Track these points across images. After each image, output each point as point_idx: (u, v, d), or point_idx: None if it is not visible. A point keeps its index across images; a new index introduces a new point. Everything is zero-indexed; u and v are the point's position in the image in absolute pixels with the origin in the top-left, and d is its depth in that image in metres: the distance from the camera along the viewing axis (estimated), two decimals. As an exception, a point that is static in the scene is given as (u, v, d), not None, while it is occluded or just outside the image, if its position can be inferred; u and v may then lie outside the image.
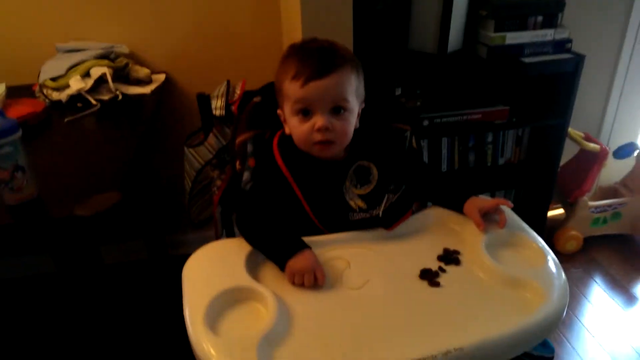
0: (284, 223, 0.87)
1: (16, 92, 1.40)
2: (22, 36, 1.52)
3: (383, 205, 0.93)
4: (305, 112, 0.89)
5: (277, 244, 0.83)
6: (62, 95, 1.39)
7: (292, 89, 0.89)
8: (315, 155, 0.93)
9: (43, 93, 1.40)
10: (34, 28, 1.51)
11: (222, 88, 1.08)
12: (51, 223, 0.88)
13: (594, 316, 1.64)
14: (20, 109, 1.27)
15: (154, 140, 1.66)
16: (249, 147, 0.98)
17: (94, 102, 1.37)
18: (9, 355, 1.53)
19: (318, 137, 0.89)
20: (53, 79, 1.40)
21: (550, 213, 1.89)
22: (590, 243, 1.93)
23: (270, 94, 1.01)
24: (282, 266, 0.80)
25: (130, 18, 1.55)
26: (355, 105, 0.93)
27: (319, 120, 0.88)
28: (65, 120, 1.28)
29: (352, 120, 0.93)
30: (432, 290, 0.78)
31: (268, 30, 1.62)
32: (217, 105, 1.05)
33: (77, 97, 1.38)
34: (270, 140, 0.98)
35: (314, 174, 0.93)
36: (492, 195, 1.86)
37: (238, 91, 1.06)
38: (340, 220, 0.92)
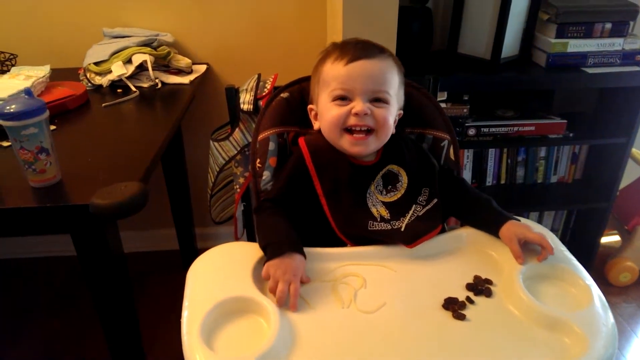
0: (296, 225, 0.81)
1: (63, 75, 1.43)
2: (71, 20, 1.55)
3: (408, 217, 0.85)
4: (343, 99, 0.84)
5: (272, 238, 0.77)
6: (104, 80, 1.40)
7: (333, 71, 0.84)
8: (344, 150, 0.86)
9: (86, 77, 1.42)
10: (83, 13, 1.54)
11: (252, 82, 1.03)
12: (69, 209, 0.87)
13: (645, 358, 1.48)
14: (60, 91, 1.29)
15: (188, 131, 1.65)
16: (271, 145, 0.92)
17: (133, 88, 1.38)
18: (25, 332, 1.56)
19: (353, 120, 0.83)
20: (96, 64, 1.42)
21: (604, 240, 1.75)
22: (647, 277, 1.74)
23: (298, 90, 0.96)
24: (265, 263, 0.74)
25: (178, 7, 1.55)
26: (394, 103, 0.87)
27: (357, 105, 0.82)
28: (103, 105, 1.28)
29: (393, 113, 0.86)
30: (455, 323, 0.69)
31: (313, 29, 1.58)
32: (246, 100, 1.00)
33: (118, 82, 1.40)
34: (296, 137, 0.92)
35: (339, 173, 0.86)
36: (540, 216, 1.73)
37: (268, 86, 1.01)
38: (357, 228, 0.84)
